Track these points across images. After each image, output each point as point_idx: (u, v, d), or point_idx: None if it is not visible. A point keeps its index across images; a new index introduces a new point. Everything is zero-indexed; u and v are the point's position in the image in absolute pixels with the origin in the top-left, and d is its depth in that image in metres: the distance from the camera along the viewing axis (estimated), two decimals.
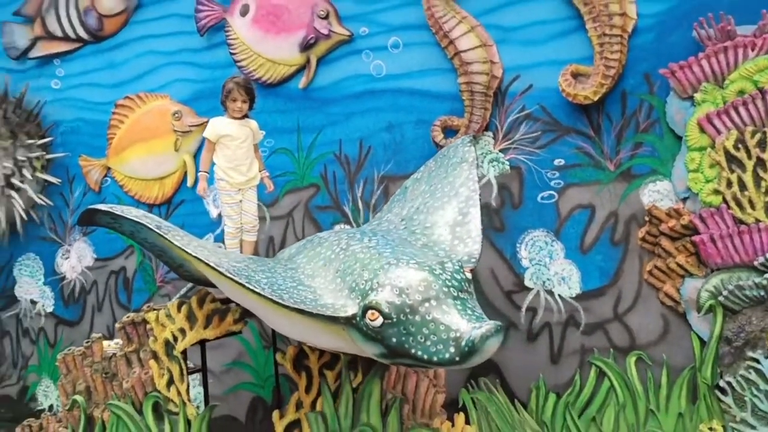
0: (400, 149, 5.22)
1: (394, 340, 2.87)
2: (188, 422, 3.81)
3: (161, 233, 3.28)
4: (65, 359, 4.24)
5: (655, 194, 4.60)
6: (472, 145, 4.09)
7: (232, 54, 5.64)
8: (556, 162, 4.82)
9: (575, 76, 4.70)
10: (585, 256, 4.77)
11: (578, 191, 4.79)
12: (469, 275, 3.07)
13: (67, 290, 6.32)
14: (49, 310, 6.40)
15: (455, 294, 2.92)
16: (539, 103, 4.86)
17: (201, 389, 4.49)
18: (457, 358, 2.75)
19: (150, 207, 5.97)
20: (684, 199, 4.49)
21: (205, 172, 4.27)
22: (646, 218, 4.57)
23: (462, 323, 2.80)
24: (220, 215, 5.77)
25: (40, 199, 6.20)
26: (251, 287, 3.00)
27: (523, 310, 4.92)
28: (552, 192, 4.84)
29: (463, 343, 2.74)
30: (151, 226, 3.31)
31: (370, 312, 2.90)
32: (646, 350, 4.59)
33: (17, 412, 6.21)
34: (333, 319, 3.00)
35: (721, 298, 4.24)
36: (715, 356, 4.31)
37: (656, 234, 4.54)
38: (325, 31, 5.33)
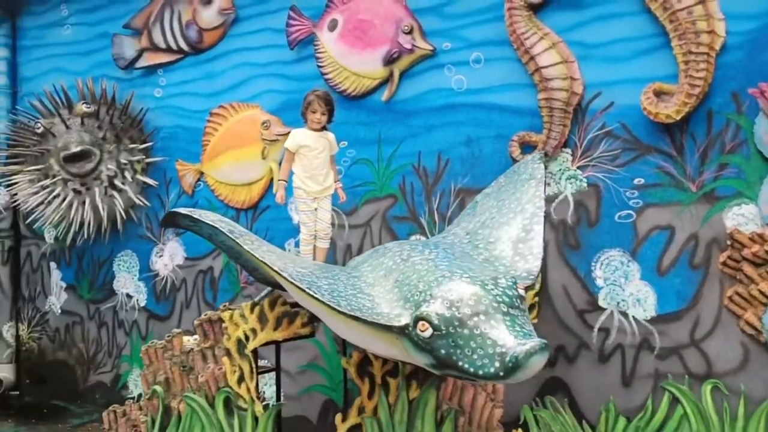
0: (478, 163, 5.26)
1: (442, 351, 2.93)
2: (256, 419, 3.98)
3: (233, 237, 3.47)
4: (148, 351, 4.52)
5: (740, 218, 4.44)
6: (542, 162, 4.10)
7: (319, 67, 5.85)
8: (636, 181, 4.73)
9: (658, 94, 4.60)
10: (662, 278, 4.66)
11: (657, 211, 4.69)
12: (522, 292, 3.09)
13: (159, 286, 6.71)
14: (143, 304, 6.81)
15: (505, 310, 2.95)
16: (620, 120, 4.79)
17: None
18: (501, 373, 2.77)
19: (237, 211, 6.27)
20: None
21: (283, 180, 4.47)
22: (728, 242, 4.42)
23: (508, 339, 2.82)
24: None
25: (139, 200, 6.61)
26: (311, 292, 3.14)
27: (596, 330, 4.85)
28: (630, 211, 4.76)
29: (507, 359, 2.76)
30: (224, 230, 3.51)
31: (420, 323, 2.97)
32: (723, 379, 4.43)
33: (110, 398, 6.64)
34: (387, 328, 3.09)
35: None
36: None
37: (738, 259, 4.38)
38: (408, 46, 5.45)
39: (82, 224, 6.59)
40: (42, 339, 7.44)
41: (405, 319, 3.05)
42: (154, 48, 6.67)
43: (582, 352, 4.89)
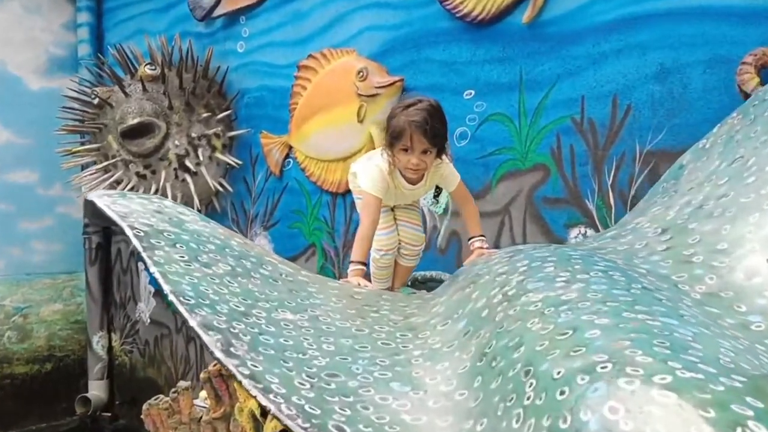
0: (681, 108, 3.21)
1: None
2: None
3: (138, 243, 1.76)
4: (151, 413, 3.01)
5: None
6: None
7: None
8: None
9: None
10: None
11: None
12: None
13: None
14: None
15: None
16: None
17: None
18: None
19: (333, 195, 4.66)
20: None
21: (360, 264, 2.77)
22: None
23: None
24: None
25: (219, 185, 5.21)
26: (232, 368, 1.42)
27: None
28: None
29: None
30: (128, 231, 1.80)
31: None
32: None
33: None
34: None
35: None
36: None
37: None
38: None
39: None
40: (133, 352, 6.34)
41: None
42: None
43: None
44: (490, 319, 1.52)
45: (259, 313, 1.66)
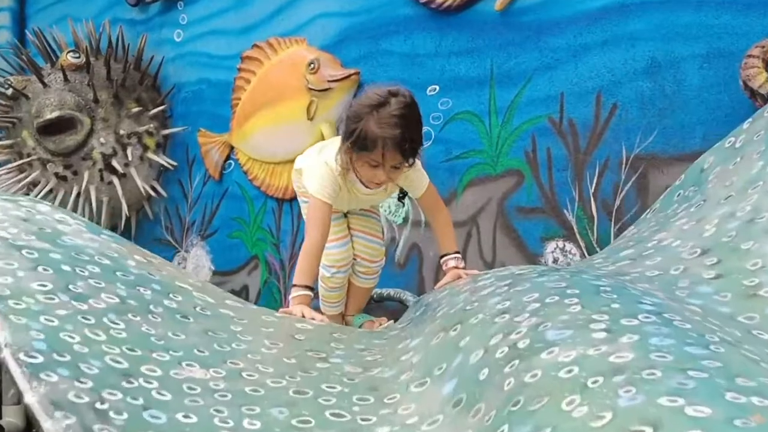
0: (674, 108, 2.86)
1: None
2: None
3: None
4: None
5: None
6: None
7: None
8: None
9: None
10: None
11: None
12: None
13: None
14: None
15: None
16: None
17: None
18: None
19: (279, 202, 4.18)
20: None
21: (306, 289, 2.25)
22: None
23: None
24: None
25: (151, 188, 4.66)
26: None
27: None
28: None
29: None
30: None
31: None
32: None
33: None
34: None
35: None
36: None
37: None
38: None
39: None
40: None
41: None
42: None
43: None
44: (493, 384, 1.05)
45: (152, 370, 1.15)
